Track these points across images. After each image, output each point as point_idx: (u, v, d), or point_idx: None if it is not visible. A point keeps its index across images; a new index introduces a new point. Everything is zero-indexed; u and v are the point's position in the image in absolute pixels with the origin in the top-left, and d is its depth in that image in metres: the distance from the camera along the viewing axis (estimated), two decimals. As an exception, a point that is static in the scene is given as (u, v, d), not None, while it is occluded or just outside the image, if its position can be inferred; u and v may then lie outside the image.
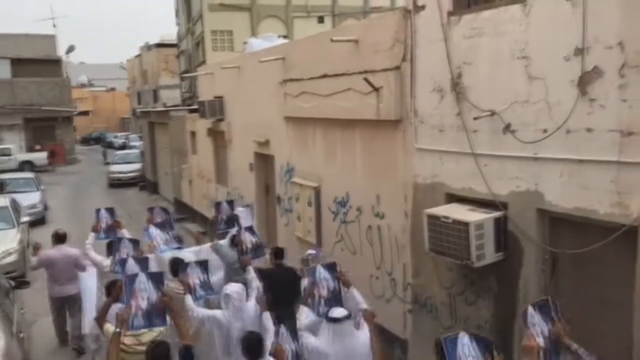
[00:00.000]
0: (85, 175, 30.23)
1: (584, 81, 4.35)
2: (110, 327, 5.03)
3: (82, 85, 61.82)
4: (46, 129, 36.18)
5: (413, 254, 6.57)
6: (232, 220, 8.75)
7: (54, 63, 37.40)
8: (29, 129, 35.44)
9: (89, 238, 8.17)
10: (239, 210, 9.29)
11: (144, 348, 4.76)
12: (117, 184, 25.31)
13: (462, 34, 5.50)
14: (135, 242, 7.64)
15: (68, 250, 8.26)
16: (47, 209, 19.12)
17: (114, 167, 26.51)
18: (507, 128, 5.08)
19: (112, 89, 65.39)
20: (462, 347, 3.92)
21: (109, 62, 68.88)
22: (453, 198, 5.83)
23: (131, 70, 50.99)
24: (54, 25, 64.70)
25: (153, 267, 6.82)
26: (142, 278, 5.02)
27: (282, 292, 6.24)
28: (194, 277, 6.14)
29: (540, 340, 4.01)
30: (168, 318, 5.06)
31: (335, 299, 5.41)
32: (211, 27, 26.58)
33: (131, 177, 25.47)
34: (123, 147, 40.40)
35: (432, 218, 5.44)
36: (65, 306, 8.34)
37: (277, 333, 4.89)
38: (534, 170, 4.88)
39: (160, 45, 40.89)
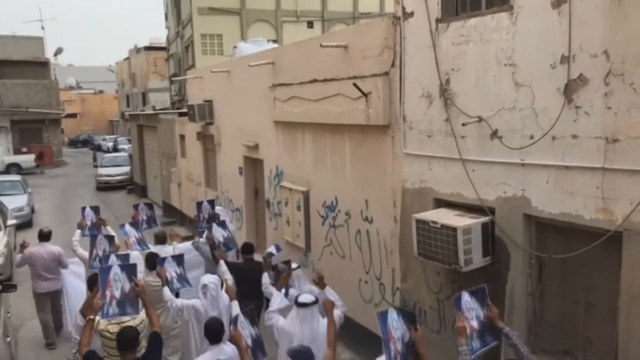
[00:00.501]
0: (73, 178, 29.99)
1: (570, 89, 4.42)
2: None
3: (70, 88, 61.41)
4: (33, 131, 35.86)
5: (402, 259, 6.60)
6: (213, 218, 9.00)
7: (42, 65, 37.14)
8: (16, 131, 35.10)
9: (75, 235, 8.47)
10: (218, 209, 9.76)
11: None
12: (105, 187, 25.14)
13: (450, 41, 5.56)
14: (110, 239, 7.85)
15: (51, 247, 8.45)
16: (34, 211, 18.94)
17: (102, 170, 26.30)
18: (495, 134, 5.14)
19: (101, 92, 65.05)
20: (392, 321, 4.34)
21: (97, 65, 68.57)
22: (441, 203, 5.89)
23: (120, 73, 50.80)
24: (42, 27, 64.33)
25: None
26: (115, 270, 5.21)
27: (248, 284, 6.61)
28: (171, 270, 6.50)
29: (475, 323, 4.43)
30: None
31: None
32: (201, 31, 26.57)
33: (119, 180, 25.29)
34: (115, 149, 39.75)
35: (421, 223, 5.48)
36: (50, 302, 8.51)
37: (235, 320, 5.22)
38: (521, 176, 4.94)
39: (149, 48, 40.82)
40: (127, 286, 5.15)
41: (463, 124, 5.35)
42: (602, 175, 4.26)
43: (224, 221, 8.61)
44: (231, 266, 7.05)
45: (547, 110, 4.63)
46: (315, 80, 7.92)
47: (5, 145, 33.61)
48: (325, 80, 7.67)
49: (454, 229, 5.08)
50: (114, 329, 5.24)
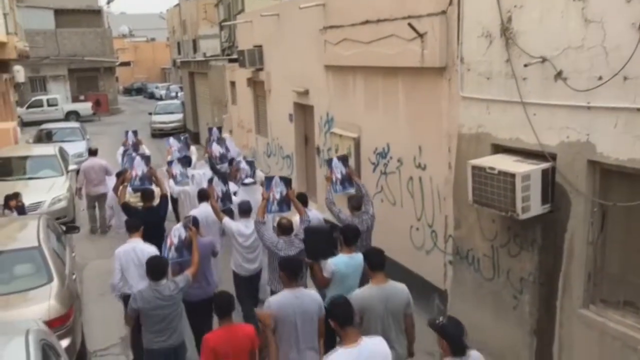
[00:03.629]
0: (128, 126, 30.46)
1: (647, 24, 4.08)
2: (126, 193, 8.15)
3: (123, 36, 62.21)
4: (89, 79, 36.85)
5: (455, 206, 6.48)
6: (220, 140, 11.08)
7: (95, 13, 37.75)
8: (73, 79, 36.16)
9: (120, 150, 11.44)
10: (226, 136, 12.45)
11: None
12: (159, 134, 25.68)
13: (514, -25, 5.21)
14: (136, 149, 10.97)
15: (99, 161, 11.69)
16: (93, 157, 19.60)
17: (156, 118, 26.84)
18: (559, 75, 4.84)
19: (152, 40, 65.64)
20: (274, 182, 6.75)
21: (148, 12, 68.94)
22: (499, 149, 5.68)
23: (170, 20, 50.77)
24: (94, -25, 64.63)
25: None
26: (137, 159, 8.76)
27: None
28: (176, 170, 9.26)
29: (339, 175, 7.20)
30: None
31: (248, 176, 8.86)
32: (250, -26, 26.07)
33: (173, 127, 25.75)
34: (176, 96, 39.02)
35: (477, 169, 5.32)
36: (96, 202, 11.53)
37: (211, 180, 7.80)
38: (586, 119, 4.67)
39: (198, -7, 40.50)
40: (145, 169, 8.60)
41: (525, 65, 5.06)
42: (678, 118, 3.97)
43: (223, 139, 11.29)
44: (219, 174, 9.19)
45: (619, 48, 4.30)
46: (367, 22, 7.65)
47: (64, 94, 34.69)
48: (378, 21, 7.40)
49: (513, 175, 4.90)
50: (135, 200, 8.19)
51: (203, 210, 7.35)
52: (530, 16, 5.10)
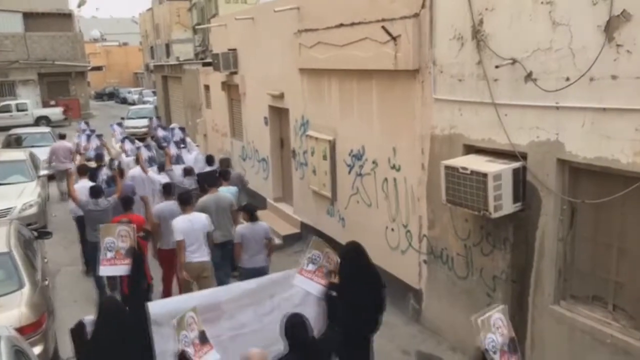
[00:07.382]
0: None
1: (611, 26, 4.21)
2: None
3: (95, 40, 61.27)
4: (60, 84, 36.11)
5: (429, 206, 6.56)
6: (163, 128, 14.05)
7: (66, 17, 37.05)
8: (44, 84, 35.38)
9: (76, 135, 14.61)
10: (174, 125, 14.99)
11: None
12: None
13: (484, -21, 5.32)
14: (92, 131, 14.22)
15: (65, 143, 14.52)
16: (64, 163, 19.30)
17: (129, 122, 26.45)
18: (529, 76, 4.97)
19: (125, 44, 64.81)
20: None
21: (121, 17, 68.11)
22: (471, 149, 5.78)
23: (143, 24, 50.32)
24: (65, -22, 63.57)
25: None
26: (93, 136, 13.00)
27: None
28: (127, 146, 11.97)
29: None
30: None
31: (181, 139, 11.99)
32: (223, -22, 25.96)
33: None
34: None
35: (450, 169, 5.40)
36: (64, 174, 12.96)
37: (138, 148, 10.62)
38: (555, 119, 4.80)
39: (171, -3, 40.18)
40: (99, 142, 12.56)
41: (496, 67, 5.18)
42: (642, 117, 4.10)
43: (165, 127, 14.05)
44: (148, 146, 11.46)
45: (585, 49, 4.44)
46: (341, 25, 7.72)
47: (34, 98, 33.94)
48: (352, 24, 7.46)
49: (485, 175, 5.00)
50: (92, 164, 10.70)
51: (138, 171, 10.10)
52: (501, 19, 5.22)
